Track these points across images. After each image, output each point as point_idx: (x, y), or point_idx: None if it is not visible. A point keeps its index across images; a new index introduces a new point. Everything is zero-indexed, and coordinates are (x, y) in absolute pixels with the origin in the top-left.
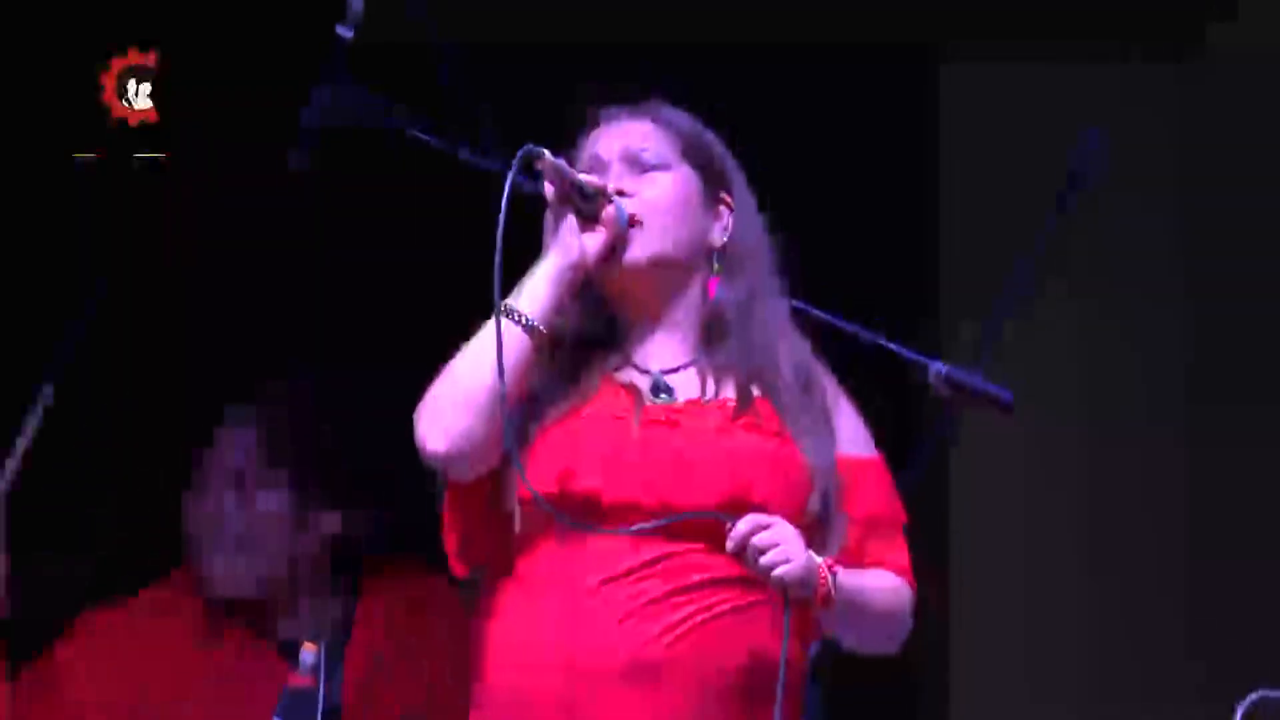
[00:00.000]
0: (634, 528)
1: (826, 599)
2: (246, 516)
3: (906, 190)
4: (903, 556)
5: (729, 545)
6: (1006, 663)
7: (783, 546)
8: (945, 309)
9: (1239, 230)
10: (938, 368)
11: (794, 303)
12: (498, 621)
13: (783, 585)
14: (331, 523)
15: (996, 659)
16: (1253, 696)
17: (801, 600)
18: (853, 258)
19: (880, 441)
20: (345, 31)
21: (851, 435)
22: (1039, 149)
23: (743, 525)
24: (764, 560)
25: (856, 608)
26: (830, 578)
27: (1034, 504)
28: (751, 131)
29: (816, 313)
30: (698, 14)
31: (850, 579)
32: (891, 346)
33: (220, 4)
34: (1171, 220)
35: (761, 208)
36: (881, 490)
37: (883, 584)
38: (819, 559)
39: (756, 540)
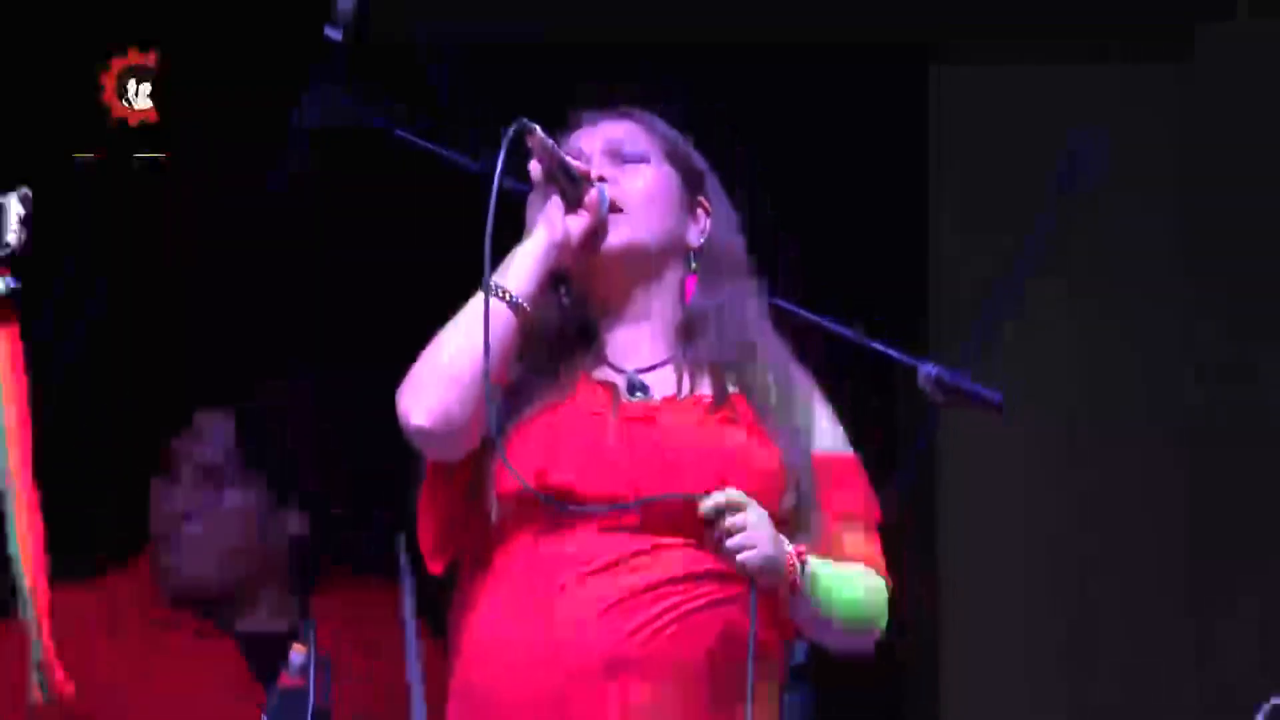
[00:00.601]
0: (612, 506)
1: (794, 586)
2: (216, 513)
3: (900, 191)
4: (877, 553)
5: (702, 507)
6: (998, 665)
7: (749, 532)
8: (938, 310)
9: (1238, 230)
10: (928, 369)
11: (786, 305)
12: (474, 617)
13: (745, 570)
14: (299, 523)
15: (987, 661)
16: (1276, 700)
17: (769, 586)
18: (846, 259)
19: (872, 442)
20: (334, 33)
21: (827, 433)
22: (1034, 150)
23: (716, 497)
24: (728, 543)
25: (828, 599)
26: (799, 565)
27: (1027, 505)
28: (746, 132)
29: (808, 315)
30: (694, 15)
31: (821, 568)
32: (882, 348)
33: (220, 4)
34: (1170, 220)
35: (757, 208)
36: (857, 488)
37: (855, 576)
38: (789, 546)
39: (726, 522)
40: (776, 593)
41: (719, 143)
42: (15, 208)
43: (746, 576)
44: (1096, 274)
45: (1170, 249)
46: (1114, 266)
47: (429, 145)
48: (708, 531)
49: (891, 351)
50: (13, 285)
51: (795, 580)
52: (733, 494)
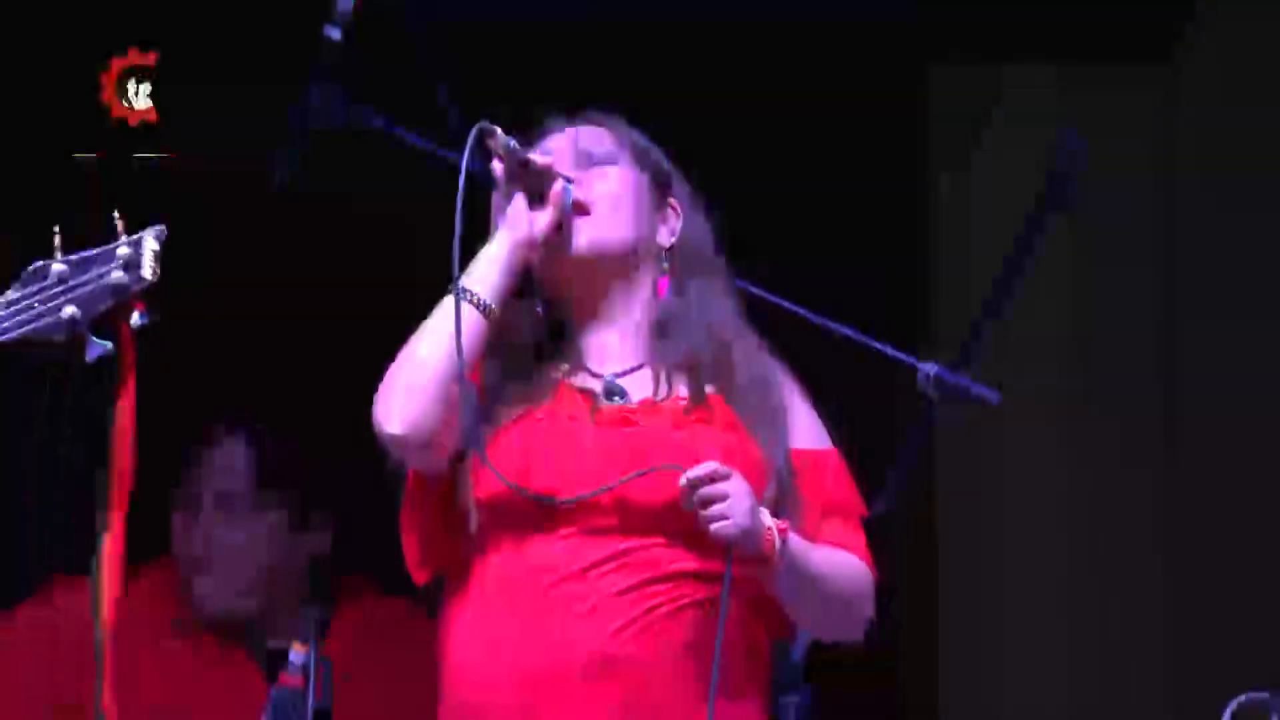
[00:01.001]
0: (594, 493)
1: (770, 559)
2: (238, 539)
3: (898, 192)
4: (861, 544)
5: (681, 480)
6: (997, 664)
7: (727, 503)
8: (938, 310)
9: (1223, 228)
10: (927, 369)
11: (788, 304)
12: (457, 625)
13: (719, 539)
14: (320, 541)
15: (987, 659)
16: (1241, 698)
17: (746, 557)
18: (847, 258)
19: (870, 442)
20: (333, 32)
21: (807, 429)
22: (1028, 149)
23: (697, 470)
24: (704, 513)
25: (808, 577)
26: (778, 540)
27: (1026, 503)
28: (744, 130)
29: (808, 314)
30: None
31: (802, 546)
32: (882, 348)
33: (219, 4)
34: (1157, 219)
35: (755, 208)
36: (838, 481)
37: (838, 560)
38: (770, 521)
39: (704, 491)
40: (758, 576)
41: (716, 141)
42: (151, 243)
43: (722, 546)
44: (1090, 273)
45: (1155, 248)
46: (1108, 265)
47: (429, 146)
48: (685, 500)
49: (891, 351)
50: (144, 321)
51: (772, 553)
52: (715, 466)
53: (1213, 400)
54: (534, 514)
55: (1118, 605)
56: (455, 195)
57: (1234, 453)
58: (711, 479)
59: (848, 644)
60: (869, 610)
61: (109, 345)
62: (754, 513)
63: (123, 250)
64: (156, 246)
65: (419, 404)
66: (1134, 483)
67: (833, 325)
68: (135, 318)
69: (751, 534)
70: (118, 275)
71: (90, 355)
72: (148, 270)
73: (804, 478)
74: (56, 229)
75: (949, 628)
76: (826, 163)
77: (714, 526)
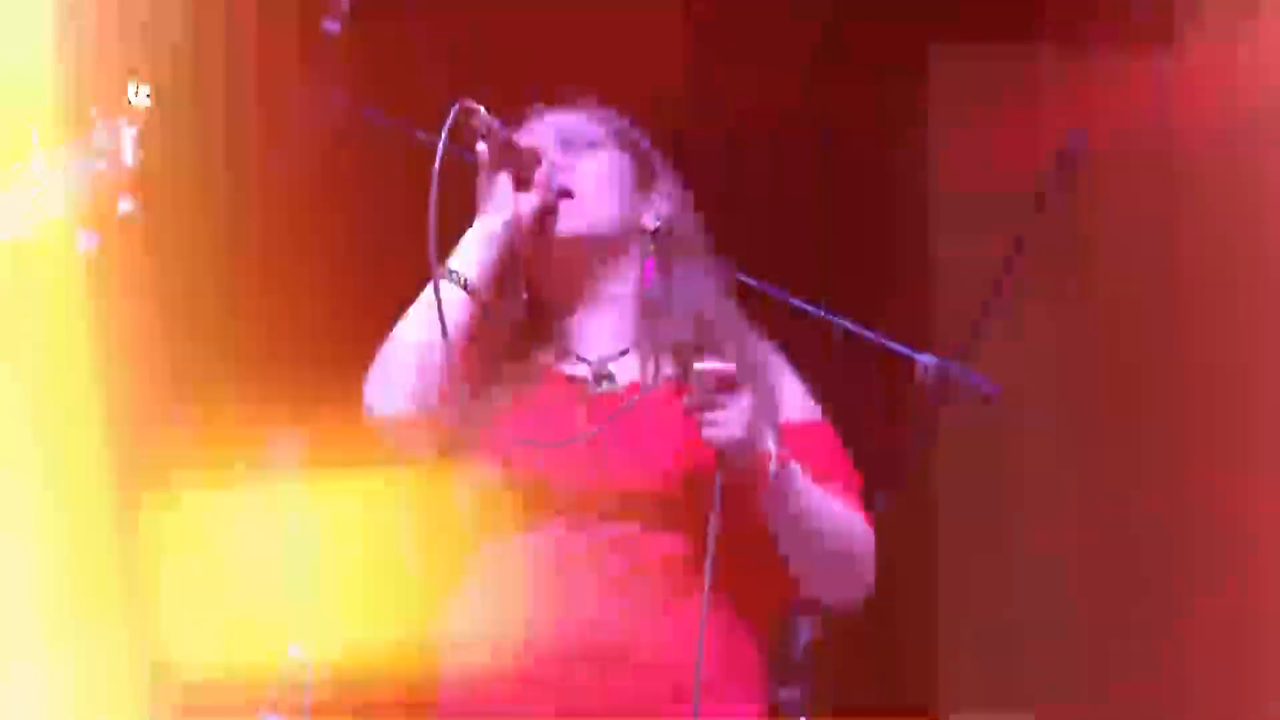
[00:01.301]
0: (592, 431)
1: (764, 474)
2: None
3: (899, 189)
4: (859, 508)
5: (695, 366)
6: (997, 660)
7: (725, 413)
8: (939, 305)
9: (1220, 227)
10: (926, 360)
11: (794, 301)
12: (454, 613)
13: (710, 445)
14: None
15: (986, 656)
16: None
17: (737, 470)
18: (848, 254)
19: (870, 435)
20: (332, 27)
21: (796, 402)
22: (1029, 146)
23: (712, 365)
24: (698, 415)
25: (806, 509)
26: (775, 464)
27: (1025, 498)
28: (745, 126)
29: (810, 308)
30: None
31: (802, 478)
32: (881, 339)
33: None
34: (1157, 217)
35: (756, 206)
36: (831, 451)
37: (838, 506)
38: (772, 445)
39: (705, 396)
40: (739, 473)
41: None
42: (129, 130)
43: (715, 451)
44: (1080, 268)
45: (1150, 245)
46: (1097, 261)
47: (428, 138)
48: (686, 403)
49: (890, 342)
50: (135, 208)
51: (766, 470)
52: (729, 368)
53: (1213, 399)
54: (529, 505)
55: (1113, 599)
56: (457, 193)
57: (1235, 451)
58: (721, 380)
59: (847, 643)
60: (870, 565)
61: (97, 236)
62: (751, 427)
63: (101, 139)
64: (134, 132)
65: (408, 386)
66: (1135, 480)
67: (833, 318)
68: (123, 205)
69: (744, 446)
70: (99, 165)
71: (80, 248)
72: (129, 156)
73: (796, 450)
74: (33, 126)
75: (948, 624)
76: (827, 161)
77: (705, 432)
